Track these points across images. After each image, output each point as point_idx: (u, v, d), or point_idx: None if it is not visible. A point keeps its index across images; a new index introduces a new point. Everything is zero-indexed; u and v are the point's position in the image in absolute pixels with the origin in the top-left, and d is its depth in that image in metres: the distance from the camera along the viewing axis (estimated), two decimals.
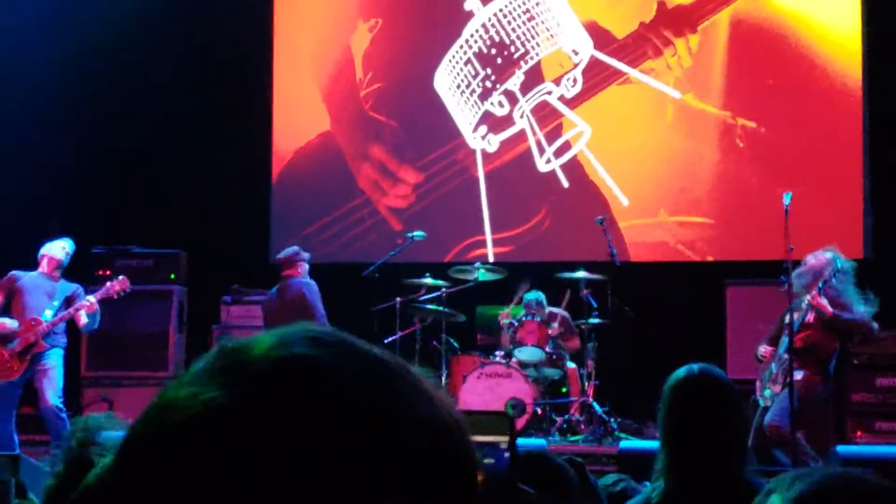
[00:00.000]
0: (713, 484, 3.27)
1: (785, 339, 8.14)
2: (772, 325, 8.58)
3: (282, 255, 10.16)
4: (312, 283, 9.92)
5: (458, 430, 0.90)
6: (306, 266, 10.08)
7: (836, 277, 8.12)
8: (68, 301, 9.02)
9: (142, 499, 0.83)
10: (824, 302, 8.07)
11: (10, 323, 8.80)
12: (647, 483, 3.83)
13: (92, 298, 8.92)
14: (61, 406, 8.85)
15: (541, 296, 10.89)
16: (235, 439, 0.82)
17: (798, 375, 8.04)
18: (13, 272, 9.10)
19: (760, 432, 7.94)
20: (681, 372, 3.42)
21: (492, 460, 1.62)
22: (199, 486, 0.81)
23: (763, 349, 8.45)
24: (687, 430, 3.32)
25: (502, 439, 1.64)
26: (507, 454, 1.63)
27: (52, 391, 8.82)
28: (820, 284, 8.10)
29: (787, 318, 8.13)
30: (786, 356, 8.04)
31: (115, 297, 9.13)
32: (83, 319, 8.92)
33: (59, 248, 9.11)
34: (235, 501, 0.81)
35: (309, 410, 0.83)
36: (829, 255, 8.28)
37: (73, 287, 9.16)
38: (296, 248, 10.22)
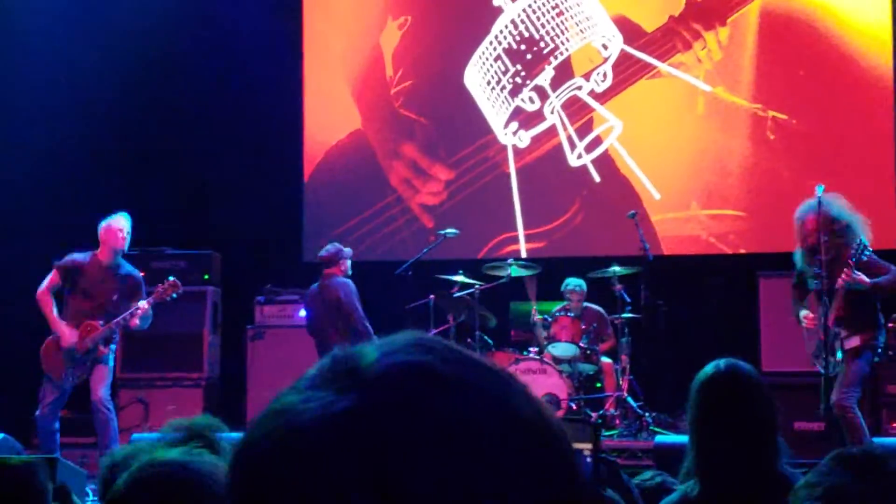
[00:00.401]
0: (746, 479, 3.26)
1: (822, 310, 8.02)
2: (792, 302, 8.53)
3: (324, 253, 10.21)
4: (349, 282, 9.97)
5: (560, 433, 0.93)
6: (348, 263, 10.14)
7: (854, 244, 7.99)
8: (129, 293, 9.04)
9: (263, 500, 0.87)
10: (860, 276, 7.93)
11: (71, 336, 8.85)
12: None
13: (144, 304, 8.96)
14: (109, 399, 8.97)
15: (582, 283, 10.87)
16: (353, 441, 0.84)
17: (854, 342, 7.95)
18: (71, 256, 9.06)
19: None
20: (708, 369, 3.41)
21: None
22: (319, 486, 0.84)
23: (805, 313, 8.29)
24: (716, 427, 3.30)
25: (585, 446, 1.66)
26: (590, 460, 1.65)
27: (103, 384, 8.90)
28: (853, 259, 7.94)
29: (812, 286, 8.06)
30: (834, 329, 7.94)
31: (168, 300, 9.16)
32: (135, 321, 8.97)
33: (115, 232, 9.03)
34: (355, 500, 0.83)
35: (423, 412, 0.86)
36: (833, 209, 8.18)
37: (134, 275, 9.15)
38: (337, 245, 10.26)
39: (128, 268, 9.18)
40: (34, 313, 9.04)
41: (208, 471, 2.29)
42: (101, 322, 8.85)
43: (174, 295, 9.13)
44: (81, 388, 8.98)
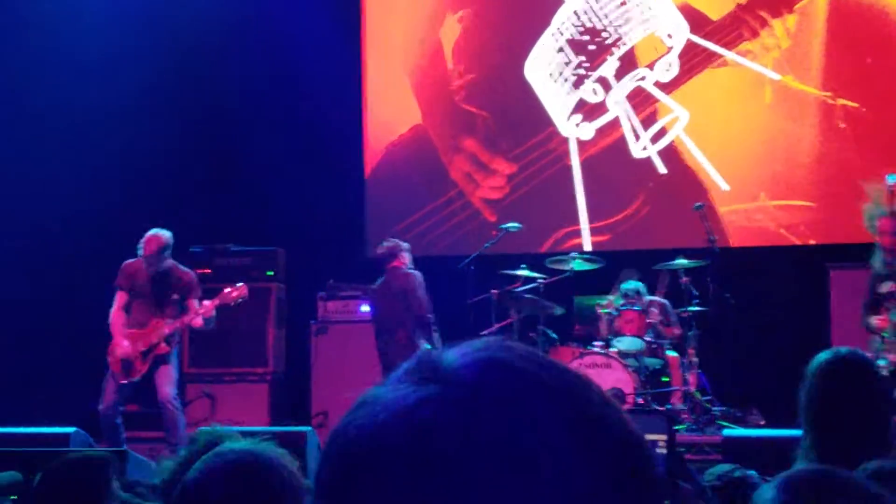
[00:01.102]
0: (863, 459, 3.23)
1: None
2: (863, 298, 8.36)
3: (381, 249, 10.24)
4: (416, 273, 10.02)
5: (639, 437, 0.93)
6: (408, 256, 10.17)
7: None
8: (185, 291, 9.11)
9: (346, 487, 0.89)
10: None
11: (128, 346, 8.95)
12: (754, 472, 3.78)
13: (208, 303, 9.06)
14: (177, 396, 9.14)
15: (640, 285, 10.78)
16: (428, 429, 0.86)
17: None
18: (128, 263, 9.21)
19: None
20: (826, 355, 3.40)
21: None
22: (407, 477, 0.86)
23: (876, 320, 8.14)
24: (835, 411, 3.30)
25: (660, 437, 1.58)
26: (663, 451, 1.57)
27: (169, 383, 9.06)
28: None
29: (884, 287, 7.89)
30: None
31: (232, 304, 9.23)
32: (199, 321, 9.06)
33: (149, 241, 9.14)
34: (442, 491, 0.85)
35: (499, 404, 0.88)
36: None
37: (189, 276, 9.25)
38: (393, 239, 10.30)
39: (181, 268, 9.28)
40: (100, 309, 9.15)
41: (276, 459, 2.41)
42: (167, 321, 8.95)
43: (240, 300, 9.20)
44: (148, 382, 9.07)
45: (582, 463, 0.87)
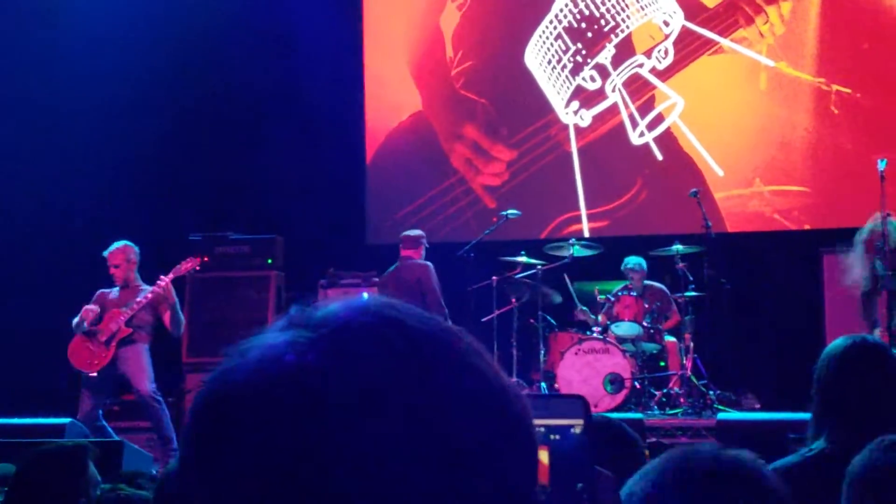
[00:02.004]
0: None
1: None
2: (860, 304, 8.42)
3: (409, 232, 10.35)
4: (430, 264, 10.08)
5: (518, 396, 0.93)
6: (424, 252, 10.26)
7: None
8: (150, 303, 9.18)
9: (225, 435, 0.87)
10: None
11: (93, 307, 9.03)
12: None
13: (163, 278, 9.08)
14: (156, 390, 9.03)
15: (642, 261, 10.81)
16: (303, 375, 0.86)
17: None
18: (101, 290, 9.29)
19: None
20: (843, 340, 3.47)
21: (557, 436, 1.64)
22: (275, 420, 0.84)
23: (878, 331, 8.16)
24: (855, 394, 3.37)
25: (576, 422, 1.66)
26: (579, 434, 1.65)
27: (145, 377, 8.97)
28: None
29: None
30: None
31: (185, 274, 9.29)
32: (168, 321, 9.09)
33: (124, 263, 9.22)
34: (307, 432, 0.84)
35: (367, 349, 0.88)
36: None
37: (149, 290, 9.27)
38: (421, 232, 10.37)
39: (142, 286, 9.29)
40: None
41: None
42: (123, 309, 9.02)
43: (193, 270, 9.29)
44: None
45: (436, 406, 0.87)
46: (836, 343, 3.48)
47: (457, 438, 0.87)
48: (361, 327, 0.89)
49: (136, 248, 9.26)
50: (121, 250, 9.20)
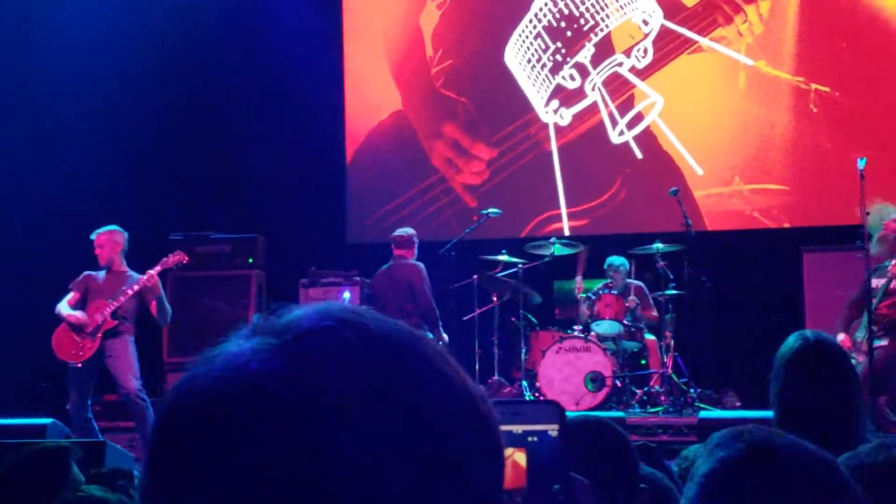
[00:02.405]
0: (837, 445, 3.30)
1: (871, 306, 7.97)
2: (851, 292, 8.43)
3: (401, 232, 10.34)
4: (422, 265, 10.08)
5: (482, 400, 0.93)
6: (416, 251, 10.26)
7: None
8: (138, 294, 9.15)
9: (192, 445, 0.86)
10: None
11: (80, 314, 8.98)
12: None
13: (151, 270, 9.06)
14: (142, 388, 8.98)
15: (624, 261, 10.84)
16: (267, 382, 0.85)
17: (882, 342, 7.92)
18: (88, 272, 9.24)
19: None
20: (793, 340, 3.45)
21: (535, 438, 1.64)
22: (240, 429, 0.84)
23: (842, 336, 8.16)
24: (804, 396, 3.35)
25: (551, 427, 1.66)
26: (556, 437, 1.65)
27: (131, 375, 8.93)
28: None
29: (871, 284, 7.98)
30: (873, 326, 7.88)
31: (174, 267, 9.26)
32: (155, 311, 9.06)
33: (109, 243, 9.20)
34: (270, 441, 0.83)
35: (329, 356, 0.87)
36: None
37: (141, 276, 9.25)
38: (412, 230, 10.36)
39: (131, 275, 9.24)
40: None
41: None
42: (109, 300, 8.97)
43: (179, 264, 9.23)
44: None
45: (402, 411, 0.86)
46: (786, 343, 3.47)
47: (422, 443, 0.87)
48: (325, 332, 0.89)
49: (125, 234, 9.24)
50: (107, 232, 9.20)
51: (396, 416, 0.86)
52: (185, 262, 9.27)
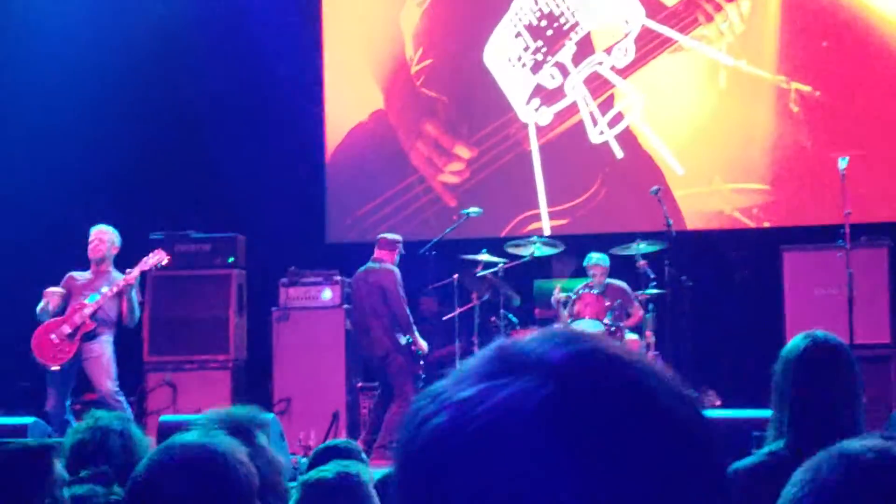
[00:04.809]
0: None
1: None
2: (832, 291, 8.42)
3: (387, 235, 10.31)
4: (396, 270, 10.05)
5: (712, 430, 0.94)
6: (398, 258, 10.22)
7: None
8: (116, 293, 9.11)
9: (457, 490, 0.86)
10: None
11: (58, 319, 8.93)
12: None
13: (131, 270, 9.01)
14: (118, 390, 8.97)
15: (604, 257, 10.76)
16: (560, 427, 0.85)
17: None
18: (71, 273, 9.21)
19: None
20: (802, 339, 3.46)
21: None
22: (525, 476, 0.85)
23: None
24: (825, 395, 3.38)
25: None
26: None
27: (106, 377, 8.91)
28: None
29: None
30: None
31: (153, 269, 9.21)
32: (125, 311, 9.01)
33: (98, 242, 9.17)
34: (555, 484, 0.84)
35: (620, 393, 0.88)
36: None
37: (123, 275, 9.21)
38: (399, 237, 10.33)
39: (114, 274, 9.20)
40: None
41: (227, 450, 2.37)
42: (88, 301, 8.92)
43: (158, 265, 9.16)
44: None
45: (664, 458, 0.88)
46: (793, 341, 3.49)
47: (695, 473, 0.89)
48: (591, 372, 0.89)
49: (119, 241, 9.23)
50: (110, 232, 9.19)
51: (667, 454, 0.88)
52: (164, 262, 9.22)
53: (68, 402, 9.03)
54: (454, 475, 0.87)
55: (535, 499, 0.84)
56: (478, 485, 0.86)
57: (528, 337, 0.94)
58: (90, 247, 9.15)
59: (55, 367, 8.86)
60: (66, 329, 8.86)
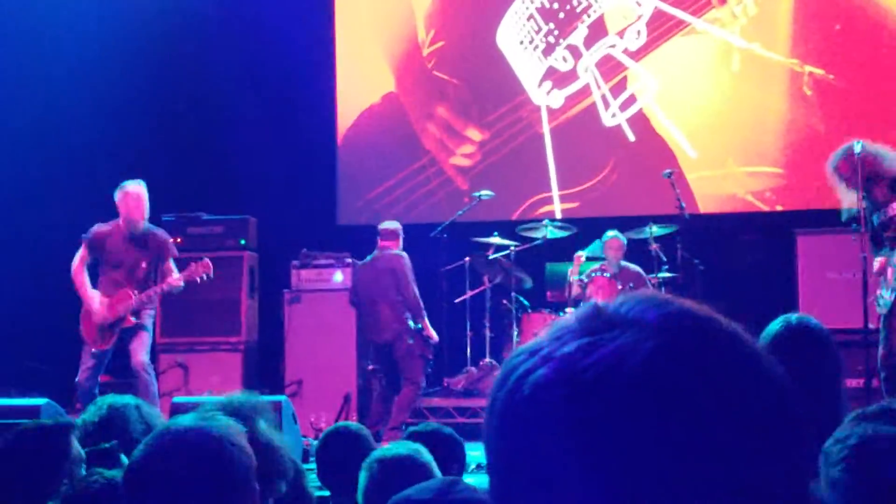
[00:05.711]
0: (823, 427, 3.29)
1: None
2: (845, 274, 8.34)
3: (387, 225, 10.25)
4: (406, 255, 10.01)
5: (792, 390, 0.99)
6: (402, 243, 10.20)
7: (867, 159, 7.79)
8: (158, 254, 9.03)
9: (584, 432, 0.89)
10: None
11: (95, 302, 8.90)
12: None
13: (177, 279, 8.95)
14: (150, 363, 9.03)
15: (619, 234, 10.68)
16: (660, 378, 0.89)
17: None
18: (96, 227, 9.09)
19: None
20: (776, 325, 3.45)
21: None
22: (624, 421, 0.88)
23: (878, 262, 7.81)
24: (794, 379, 3.33)
25: None
26: None
27: (144, 350, 8.93)
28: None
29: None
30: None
31: (198, 281, 9.13)
32: (166, 288, 8.99)
33: (128, 202, 9.01)
34: (676, 433, 0.87)
35: (717, 353, 0.93)
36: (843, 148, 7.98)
37: (157, 235, 9.12)
38: (398, 224, 10.30)
39: (151, 229, 9.12)
40: (70, 279, 9.08)
41: (223, 432, 2.38)
42: (135, 292, 8.88)
43: (206, 276, 9.09)
44: (121, 354, 9.03)
45: (765, 411, 0.93)
46: (769, 326, 3.48)
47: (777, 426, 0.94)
48: (690, 330, 0.94)
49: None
50: (141, 185, 9.08)
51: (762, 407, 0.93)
52: (210, 274, 9.15)
53: (99, 380, 9.07)
54: (561, 425, 0.89)
55: (646, 447, 0.87)
56: (586, 434, 0.88)
57: (618, 299, 0.98)
58: (132, 205, 8.95)
59: (95, 350, 8.89)
60: (109, 319, 8.85)
